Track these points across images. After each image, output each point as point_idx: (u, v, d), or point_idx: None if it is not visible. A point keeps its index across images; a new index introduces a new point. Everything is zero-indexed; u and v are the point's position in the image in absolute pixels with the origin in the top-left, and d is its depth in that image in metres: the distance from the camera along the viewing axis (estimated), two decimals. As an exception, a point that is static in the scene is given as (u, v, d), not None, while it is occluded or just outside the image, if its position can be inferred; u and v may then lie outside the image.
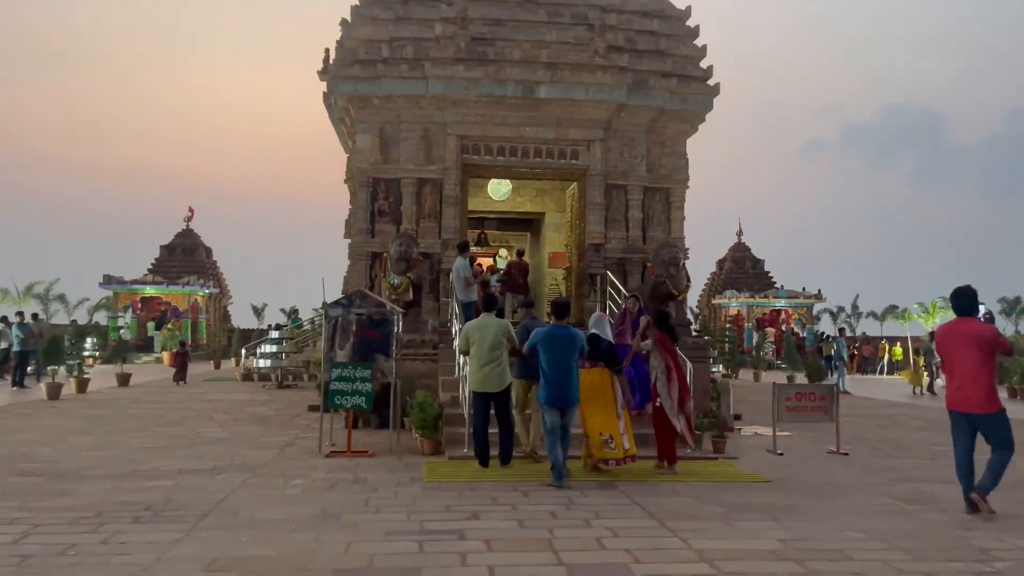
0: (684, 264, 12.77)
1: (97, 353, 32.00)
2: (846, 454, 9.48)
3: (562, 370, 7.47)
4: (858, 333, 39.36)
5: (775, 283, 43.26)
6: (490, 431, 8.14)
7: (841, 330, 22.05)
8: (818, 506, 6.53)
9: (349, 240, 14.16)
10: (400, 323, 9.97)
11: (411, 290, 11.93)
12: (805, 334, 38.27)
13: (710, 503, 6.58)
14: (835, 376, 21.16)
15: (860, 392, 20.92)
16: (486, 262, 19.42)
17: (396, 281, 11.90)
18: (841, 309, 41.40)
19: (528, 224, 20.90)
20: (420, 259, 12.22)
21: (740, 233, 46.64)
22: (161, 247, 41.48)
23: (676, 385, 8.19)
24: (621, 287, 12.90)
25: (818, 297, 41.09)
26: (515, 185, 18.62)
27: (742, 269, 44.50)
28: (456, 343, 8.18)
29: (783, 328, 38.94)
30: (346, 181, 16.04)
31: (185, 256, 40.90)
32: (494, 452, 8.15)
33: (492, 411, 8.17)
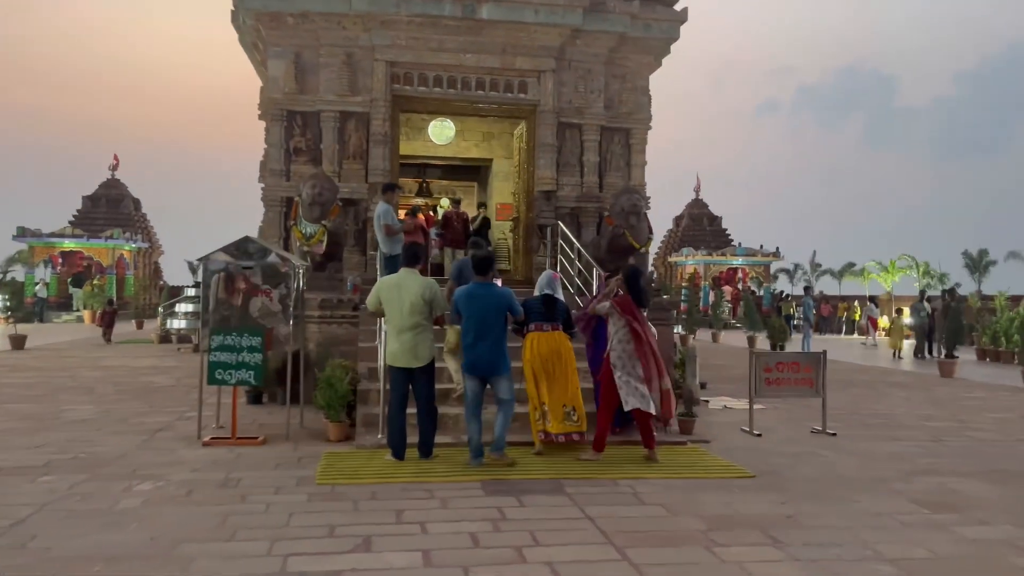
0: (646, 213, 11.14)
1: (9, 312, 29.61)
2: (834, 434, 8.07)
3: (485, 334, 6.32)
4: (815, 292, 38.57)
5: (732, 241, 42.24)
6: (411, 412, 6.50)
7: (807, 288, 20.86)
8: (823, 517, 5.03)
9: (262, 184, 12.19)
10: (302, 279, 8.18)
11: (327, 241, 10.10)
12: (762, 293, 37.37)
13: (685, 514, 5.03)
14: (801, 338, 19.99)
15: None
16: (426, 217, 17.57)
17: (309, 230, 10.05)
18: (798, 267, 40.56)
19: (475, 172, 19.05)
20: (338, 204, 10.35)
21: (698, 189, 45.40)
22: (84, 198, 38.50)
23: (649, 357, 6.63)
24: (575, 240, 11.25)
25: (776, 255, 40.20)
26: (459, 128, 16.75)
27: (699, 226, 43.33)
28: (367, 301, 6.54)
29: (740, 287, 37.97)
30: (261, 117, 13.98)
31: (110, 207, 38.02)
32: (413, 439, 6.51)
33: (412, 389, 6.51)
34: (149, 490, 5.39)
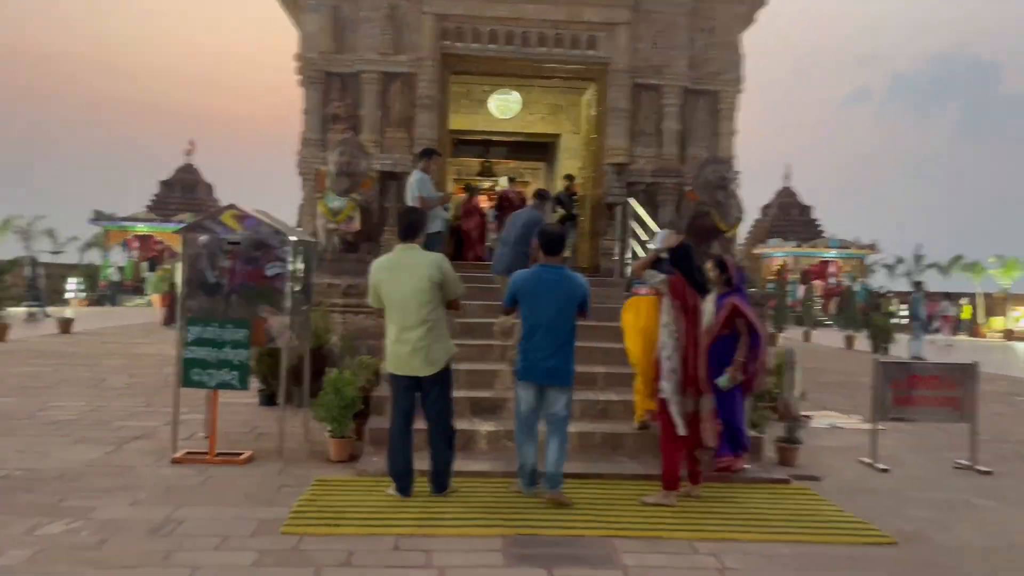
0: (735, 190, 9.28)
1: (84, 294, 29.71)
2: (987, 472, 6.13)
3: (550, 331, 4.88)
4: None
5: (824, 232, 39.21)
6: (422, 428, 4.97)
7: (917, 283, 18.40)
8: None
9: (298, 156, 10.87)
10: (311, 259, 6.74)
11: (358, 218, 8.66)
12: (857, 288, 34.43)
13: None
14: (908, 339, 17.58)
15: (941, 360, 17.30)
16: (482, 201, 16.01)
17: (336, 205, 8.63)
18: (900, 261, 37.27)
19: (542, 150, 17.42)
20: (372, 175, 8.90)
21: (787, 177, 42.42)
22: (161, 183, 38.60)
23: (693, 363, 5.04)
24: (650, 221, 9.50)
25: (872, 248, 37.02)
26: (524, 100, 15.16)
27: (789, 216, 40.41)
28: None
29: (834, 282, 35.12)
30: (301, 84, 12.68)
31: (185, 193, 37.99)
32: (425, 463, 4.98)
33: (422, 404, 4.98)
34: (55, 535, 4.01)
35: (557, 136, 15.48)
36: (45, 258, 29.96)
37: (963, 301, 31.90)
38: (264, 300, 5.92)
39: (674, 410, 4.94)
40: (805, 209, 41.11)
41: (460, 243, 14.38)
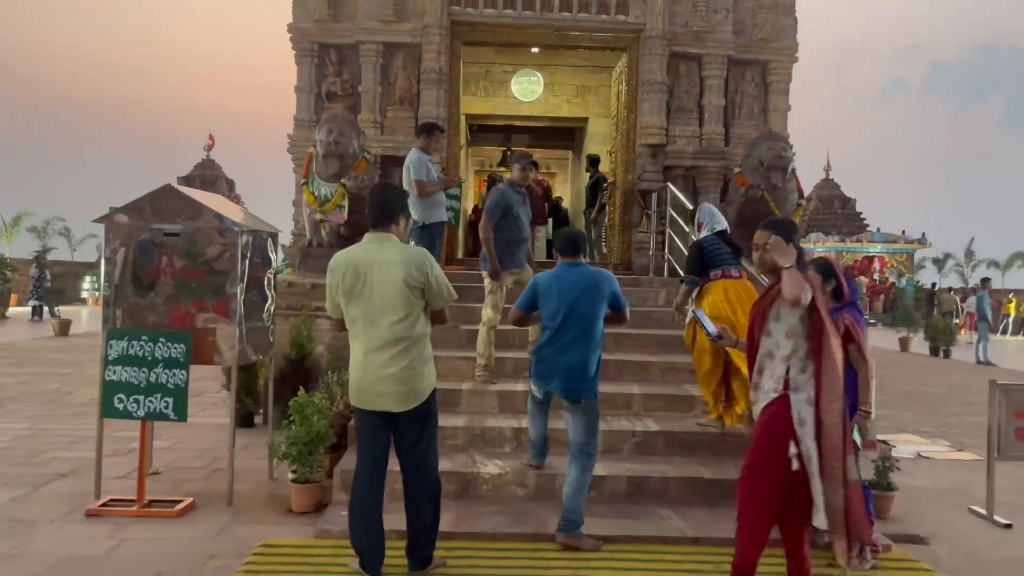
0: (794, 170, 7.86)
1: (98, 293, 29.00)
2: None
3: (571, 333, 4.20)
4: (970, 284, 33.34)
5: (868, 226, 37.28)
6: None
7: (984, 281, 16.70)
8: None
9: (289, 139, 9.64)
10: (274, 254, 5.50)
11: (348, 206, 7.41)
12: (904, 284, 32.58)
13: None
14: (975, 341, 15.94)
15: (1013, 365, 15.65)
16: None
17: (324, 192, 7.39)
18: (948, 256, 35.25)
19: (568, 137, 16.11)
20: (366, 156, 7.62)
21: (828, 168, 40.46)
22: (179, 179, 37.79)
23: (840, 415, 3.24)
24: (691, 208, 8.13)
25: (921, 242, 35.08)
26: (548, 81, 13.85)
27: (830, 209, 38.48)
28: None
29: (879, 278, 33.28)
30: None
31: (204, 188, 37.22)
32: (399, 523, 3.68)
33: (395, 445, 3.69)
34: None
35: (584, 120, 14.14)
36: (57, 256, 29.28)
37: (1010, 297, 29.89)
38: (210, 304, 4.68)
39: (816, 493, 3.09)
40: (848, 202, 39.14)
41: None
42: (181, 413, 4.50)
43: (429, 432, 3.64)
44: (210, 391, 8.12)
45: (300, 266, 7.63)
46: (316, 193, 7.39)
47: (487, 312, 5.85)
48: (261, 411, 7.18)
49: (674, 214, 8.28)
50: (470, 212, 15.22)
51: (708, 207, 5.87)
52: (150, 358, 4.47)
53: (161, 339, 4.48)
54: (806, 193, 8.56)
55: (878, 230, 35.80)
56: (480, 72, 13.82)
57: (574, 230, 5.09)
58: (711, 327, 3.84)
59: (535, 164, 10.82)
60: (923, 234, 35.04)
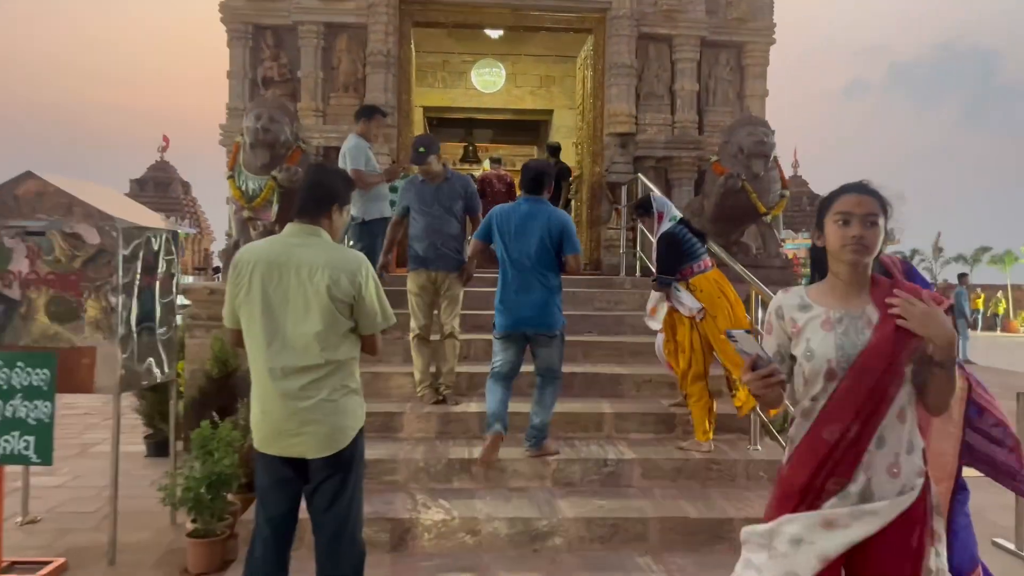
0: (776, 158, 7.16)
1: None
2: None
3: (530, 273, 4.30)
4: (939, 280, 33.26)
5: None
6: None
7: (962, 276, 16.28)
8: None
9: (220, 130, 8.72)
10: (163, 258, 4.62)
11: (279, 202, 6.54)
12: (873, 282, 32.27)
13: None
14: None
15: (992, 362, 15.21)
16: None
17: (251, 186, 6.51)
18: (916, 252, 35.19)
19: (533, 131, 15.35)
20: (301, 146, 6.75)
21: (796, 165, 40.11)
22: (131, 181, 36.36)
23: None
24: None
25: (889, 238, 34.89)
26: (510, 72, 13.08)
27: (799, 207, 38.26)
28: None
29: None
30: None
31: (158, 191, 35.72)
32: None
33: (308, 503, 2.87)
34: None
35: (549, 113, 13.39)
36: None
37: (978, 291, 29.79)
38: (75, 320, 3.81)
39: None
40: (816, 198, 38.99)
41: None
42: (45, 455, 3.62)
43: (353, 485, 2.80)
44: (125, 414, 7.19)
45: (225, 270, 6.74)
46: (243, 188, 6.50)
47: (412, 321, 5.14)
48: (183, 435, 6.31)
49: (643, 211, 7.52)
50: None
51: (660, 196, 5.12)
52: (4, 387, 3.59)
53: (19, 363, 3.60)
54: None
55: (847, 227, 35.59)
56: (437, 62, 13.03)
57: (542, 164, 4.64)
58: (757, 348, 2.29)
59: (498, 161, 10.03)
60: (891, 230, 34.89)
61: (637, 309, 6.75)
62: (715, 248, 5.58)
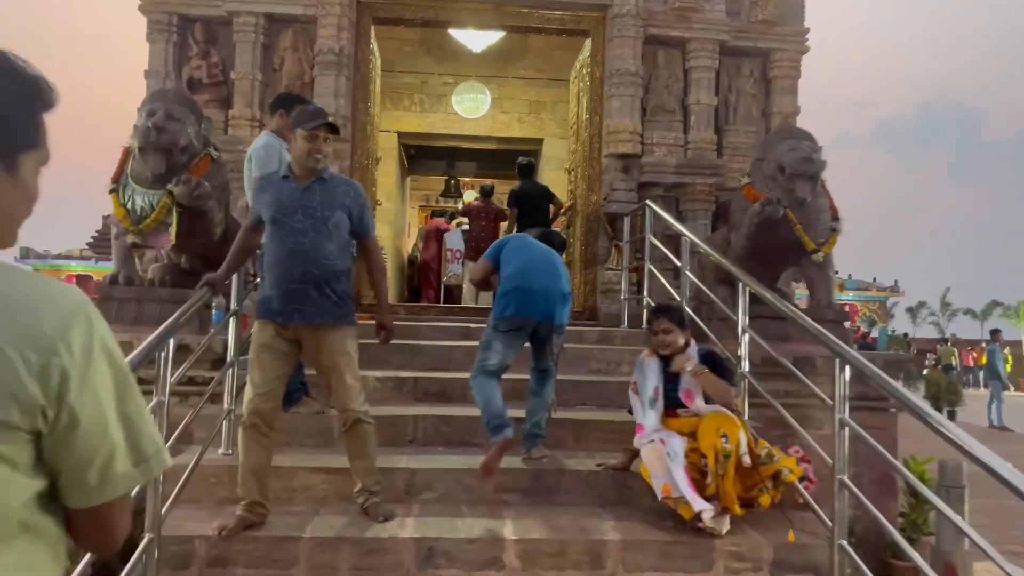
0: (824, 183, 5.61)
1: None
2: None
3: (538, 269, 3.99)
4: (947, 334, 31.80)
5: (837, 272, 35.81)
6: None
7: (995, 332, 14.67)
8: None
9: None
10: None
11: (180, 224, 4.92)
12: (876, 334, 30.88)
13: None
14: (989, 401, 13.83)
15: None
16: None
17: (140, 202, 4.92)
18: (922, 304, 33.77)
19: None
20: (212, 153, 5.17)
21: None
22: (104, 218, 34.95)
23: None
24: (689, 235, 5.87)
25: (894, 290, 33.62)
26: (496, 96, 11.68)
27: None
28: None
29: (855, 326, 31.55)
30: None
31: (132, 229, 34.35)
32: None
33: None
34: None
35: (539, 142, 11.92)
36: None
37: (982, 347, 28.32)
38: None
39: None
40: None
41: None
42: None
43: None
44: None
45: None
46: (128, 205, 4.92)
47: (248, 387, 3.33)
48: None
49: (656, 242, 5.96)
50: (408, 251, 12.94)
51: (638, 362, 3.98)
52: None
53: None
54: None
55: (849, 277, 34.30)
56: (415, 83, 11.63)
57: (549, 231, 4.47)
58: None
59: (489, 192, 8.71)
60: (895, 281, 33.64)
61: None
62: (760, 291, 4.01)
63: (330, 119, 3.37)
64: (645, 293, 6.08)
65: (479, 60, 10.88)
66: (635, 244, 6.69)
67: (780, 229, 5.23)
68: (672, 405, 3.65)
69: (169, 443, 3.19)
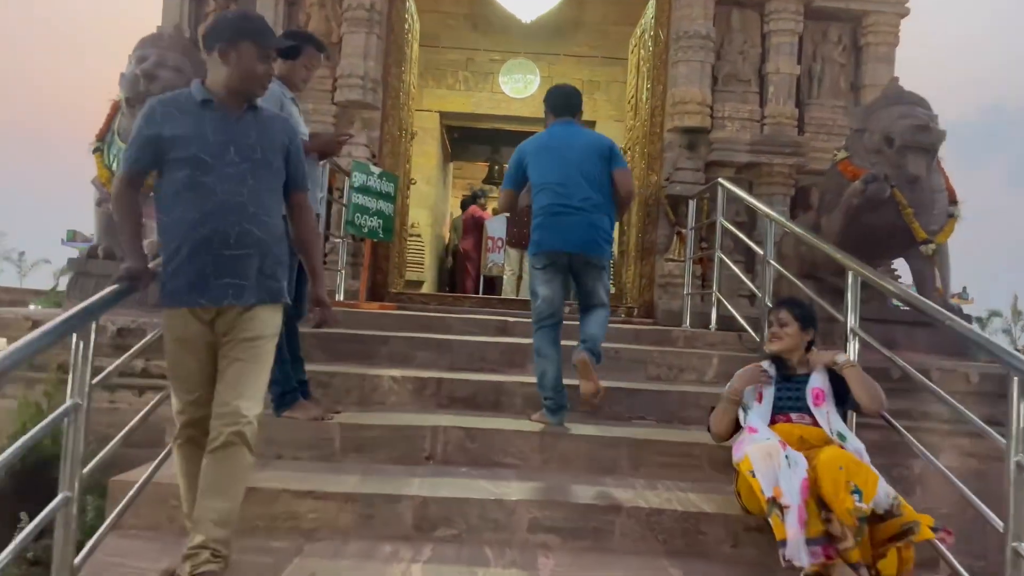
0: (940, 160, 4.66)
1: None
2: None
3: (573, 196, 3.59)
4: (1020, 344, 29.93)
5: (900, 276, 34.02)
6: None
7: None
8: None
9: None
10: None
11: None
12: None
13: None
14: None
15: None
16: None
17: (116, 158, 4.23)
18: (995, 314, 31.86)
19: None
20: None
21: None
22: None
23: None
24: (775, 217, 5.00)
25: (962, 296, 31.70)
26: (546, 74, 10.88)
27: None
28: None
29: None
30: None
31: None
32: None
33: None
34: None
35: (592, 124, 11.05)
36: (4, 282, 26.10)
37: None
38: None
39: None
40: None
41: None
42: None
43: None
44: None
45: (69, 294, 4.43)
46: (114, 166, 4.23)
47: (174, 399, 2.53)
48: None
49: (731, 227, 5.08)
50: (448, 238, 12.23)
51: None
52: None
53: None
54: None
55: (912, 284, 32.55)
56: (459, 60, 10.91)
57: (572, 87, 3.96)
58: None
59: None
60: (964, 288, 31.71)
61: (718, 380, 4.28)
62: (882, 284, 3.13)
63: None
64: (715, 287, 5.19)
65: (528, 36, 10.12)
66: (701, 231, 5.81)
67: (885, 213, 4.33)
68: (784, 410, 2.85)
69: (100, 456, 2.45)
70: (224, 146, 2.37)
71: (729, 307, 4.90)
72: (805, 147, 6.10)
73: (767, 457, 2.56)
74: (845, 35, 6.42)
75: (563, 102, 3.82)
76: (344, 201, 5.61)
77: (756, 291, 4.53)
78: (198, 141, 2.35)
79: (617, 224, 7.19)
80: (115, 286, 2.43)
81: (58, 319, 2.07)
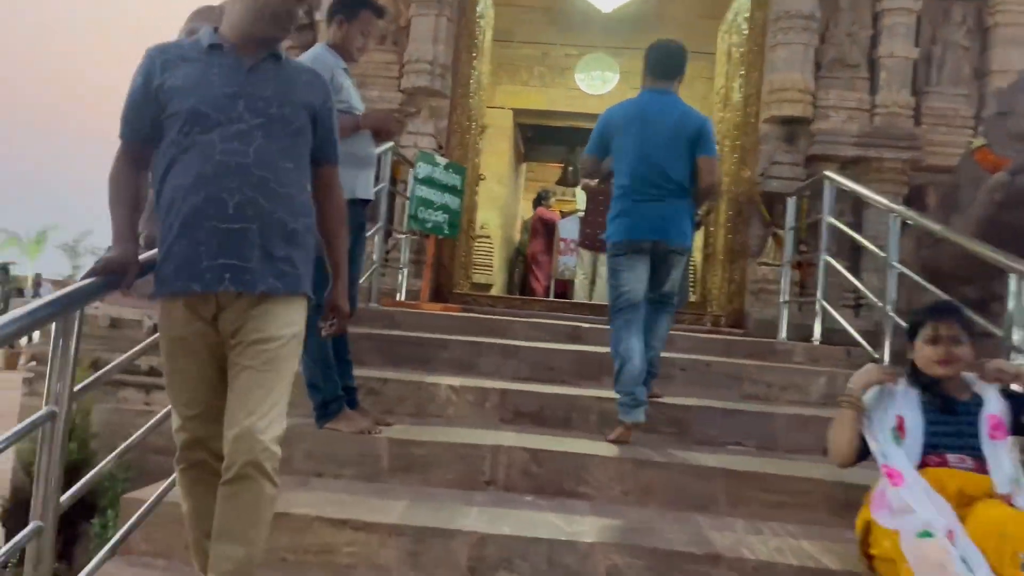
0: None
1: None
2: None
3: (659, 166, 3.29)
4: None
5: None
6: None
7: None
8: None
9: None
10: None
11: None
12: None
13: None
14: None
15: None
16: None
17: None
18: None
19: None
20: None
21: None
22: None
23: None
24: (904, 211, 4.38)
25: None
26: (625, 69, 10.38)
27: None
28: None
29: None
30: None
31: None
32: None
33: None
34: None
35: (673, 123, 10.46)
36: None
37: None
38: None
39: None
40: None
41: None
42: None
43: None
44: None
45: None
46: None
47: (174, 416, 2.05)
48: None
49: (840, 224, 4.46)
50: (519, 237, 11.83)
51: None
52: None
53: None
54: None
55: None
56: (534, 55, 10.50)
57: (676, 44, 3.58)
58: None
59: (609, 175, 6.99)
60: None
61: (825, 402, 3.69)
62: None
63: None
64: (819, 295, 4.57)
65: (607, 30, 9.63)
66: (800, 232, 5.19)
67: (1034, 206, 3.64)
68: (938, 447, 2.23)
69: (85, 480, 2.06)
70: (231, 99, 1.90)
71: (839, 318, 4.28)
72: (921, 140, 5.41)
73: (939, 570, 1.93)
74: (970, 15, 5.69)
75: (662, 64, 3.48)
76: (408, 194, 5.22)
77: (875, 300, 3.90)
78: (199, 92, 1.90)
79: (701, 225, 6.64)
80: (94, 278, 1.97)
81: (28, 308, 1.68)
